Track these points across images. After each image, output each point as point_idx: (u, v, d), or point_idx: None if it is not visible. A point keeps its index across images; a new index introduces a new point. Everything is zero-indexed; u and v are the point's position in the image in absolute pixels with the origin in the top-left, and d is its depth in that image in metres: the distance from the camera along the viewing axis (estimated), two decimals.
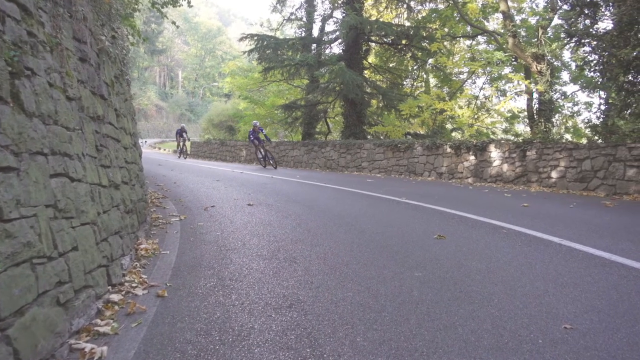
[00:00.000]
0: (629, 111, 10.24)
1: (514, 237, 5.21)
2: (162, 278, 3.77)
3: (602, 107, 19.22)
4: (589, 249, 4.58)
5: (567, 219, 6.57)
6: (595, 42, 9.80)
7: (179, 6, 12.00)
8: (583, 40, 9.95)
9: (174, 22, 11.88)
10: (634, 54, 8.87)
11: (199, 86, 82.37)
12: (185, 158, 25.20)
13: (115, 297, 3.18)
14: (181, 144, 25.71)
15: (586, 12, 10.30)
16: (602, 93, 19.84)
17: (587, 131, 20.12)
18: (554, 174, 10.93)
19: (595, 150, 10.03)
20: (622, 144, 9.53)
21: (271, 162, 18.08)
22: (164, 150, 36.47)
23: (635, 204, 8.39)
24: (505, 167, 12.19)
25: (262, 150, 18.26)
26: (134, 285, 3.50)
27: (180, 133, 25.77)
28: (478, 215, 6.63)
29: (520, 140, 12.23)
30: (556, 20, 20.29)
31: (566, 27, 10.95)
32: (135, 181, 5.28)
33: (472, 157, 13.15)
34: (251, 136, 18.34)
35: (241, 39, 22.00)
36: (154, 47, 68.08)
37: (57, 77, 3.01)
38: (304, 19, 24.08)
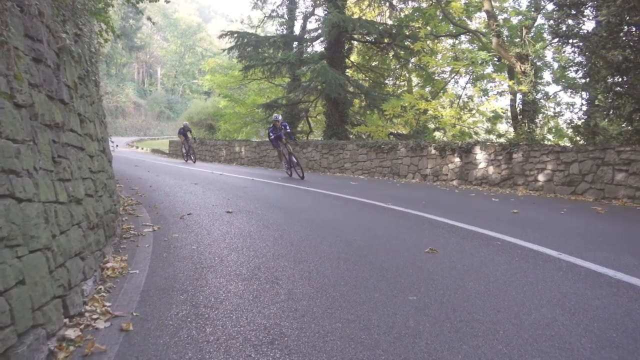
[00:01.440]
0: (616, 113, 10.06)
1: (509, 250, 4.91)
2: (129, 305, 3.37)
3: (584, 108, 19.28)
4: (591, 265, 4.31)
5: (561, 227, 6.32)
6: (582, 43, 9.59)
7: (156, 1, 11.53)
8: (571, 41, 9.73)
9: (149, 18, 11.39)
10: (624, 55, 8.67)
11: (178, 83, 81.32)
12: (194, 162, 20.95)
13: (71, 332, 2.78)
14: (186, 146, 21.64)
15: (573, 12, 10.09)
16: (584, 94, 19.83)
17: (570, 132, 20.12)
18: (541, 177, 10.73)
19: (583, 154, 9.85)
20: (611, 147, 9.36)
21: (298, 170, 13.47)
22: (142, 149, 35.70)
23: (626, 210, 8.21)
24: (491, 169, 11.98)
25: (286, 154, 13.62)
26: (95, 316, 3.09)
27: (184, 133, 21.71)
28: (468, 224, 6.34)
29: (506, 142, 12.03)
30: (539, 20, 20.28)
31: (553, 28, 10.75)
32: (103, 191, 4.85)
33: (457, 159, 12.92)
34: (271, 134, 13.62)
35: (221, 36, 21.49)
36: (132, 43, 66.92)
37: (3, 81, 2.60)
38: (286, 16, 23.68)
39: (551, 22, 19.83)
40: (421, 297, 3.50)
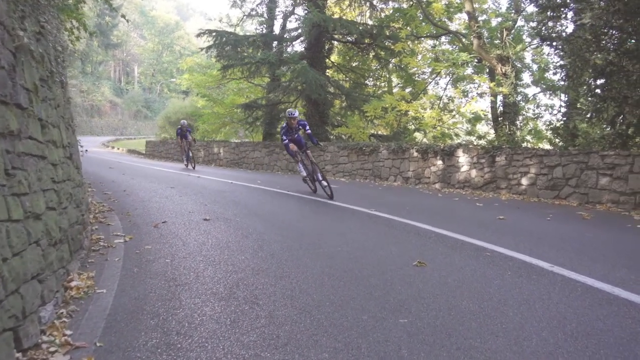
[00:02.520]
0: (597, 116, 10.00)
1: (500, 262, 4.70)
2: (92, 333, 3.05)
3: (563, 110, 19.36)
4: (586, 279, 4.11)
5: (549, 236, 6.15)
6: (567, 46, 9.49)
7: None
8: (554, 44, 9.62)
9: (123, 16, 10.91)
10: (608, 59, 8.58)
11: (156, 82, 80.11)
12: (193, 167, 17.88)
13: None
14: (186, 148, 18.48)
15: (557, 14, 9.99)
16: (563, 96, 19.92)
17: (549, 134, 20.19)
18: (524, 181, 10.62)
19: (567, 157, 9.75)
20: (595, 152, 9.27)
21: (325, 187, 9.82)
22: (118, 149, 34.95)
23: (611, 216, 8.11)
24: (473, 172, 11.84)
25: (308, 163, 10.18)
26: (52, 349, 2.76)
27: (184, 134, 18.73)
28: (455, 232, 6.13)
29: (489, 145, 11.90)
30: (519, 22, 20.32)
31: (536, 30, 10.64)
32: (69, 202, 4.49)
33: (439, 162, 12.76)
34: (284, 137, 10.12)
35: (199, 35, 21.01)
36: (108, 40, 65.61)
37: None
38: (265, 15, 23.30)
39: (533, 24, 19.96)
40: (413, 320, 3.25)
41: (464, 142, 13.88)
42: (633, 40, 9.02)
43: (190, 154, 18.33)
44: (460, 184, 12.10)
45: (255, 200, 9.36)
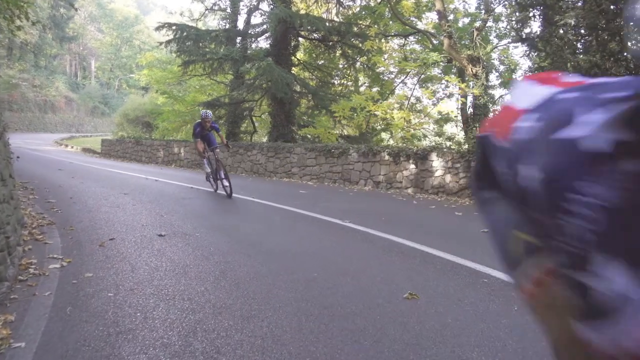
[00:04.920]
0: None
1: (501, 293, 4.09)
2: None
3: None
4: None
5: None
6: (548, 47, 9.05)
7: None
8: (537, 45, 9.17)
9: (72, 4, 9.99)
10: (592, 60, 8.17)
11: (114, 77, 77.48)
12: (229, 194, 9.83)
13: None
14: (213, 159, 10.46)
15: (537, 14, 9.57)
16: None
17: None
18: None
19: None
20: None
21: (225, 186, 9.80)
22: (72, 147, 33.25)
23: None
24: (448, 177, 11.34)
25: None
26: None
27: (206, 132, 10.61)
28: (442, 249, 5.51)
29: (465, 150, 11.42)
30: (489, 22, 20.07)
31: (516, 29, 10.21)
32: None
33: (412, 166, 12.21)
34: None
35: (158, 28, 19.91)
36: (63, 33, 62.87)
37: None
38: (229, 10, 22.35)
39: (502, 24, 19.70)
40: None
41: (437, 145, 13.34)
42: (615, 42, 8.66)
43: (222, 172, 10.02)
44: (434, 189, 11.59)
45: (218, 210, 8.57)
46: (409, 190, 12.10)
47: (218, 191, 10.52)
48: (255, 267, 4.80)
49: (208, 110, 11.03)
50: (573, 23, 8.32)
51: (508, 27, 20.13)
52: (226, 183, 9.83)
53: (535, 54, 9.41)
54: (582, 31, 8.20)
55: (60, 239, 5.86)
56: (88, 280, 4.34)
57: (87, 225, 6.73)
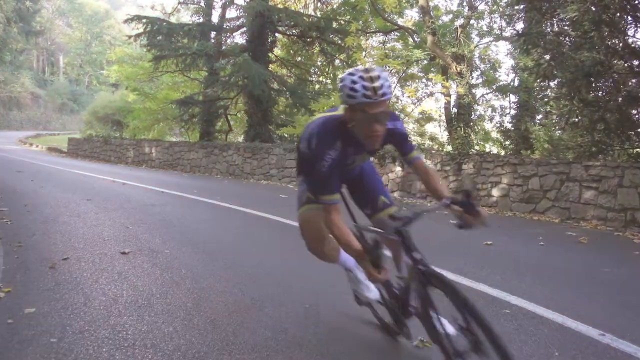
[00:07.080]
0: (575, 122, 9.12)
1: (529, 325, 3.42)
2: None
3: (513, 112, 18.82)
4: None
5: (557, 271, 5.05)
6: (547, 45, 8.49)
7: None
8: (536, 41, 8.58)
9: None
10: (597, 57, 7.62)
11: (84, 73, 75.23)
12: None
13: None
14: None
15: (530, 8, 8.99)
16: (513, 97, 19.38)
17: (498, 136, 19.63)
18: (495, 192, 9.59)
19: (545, 167, 8.77)
20: (577, 162, 8.34)
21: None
22: (37, 146, 31.76)
23: (606, 237, 7.15)
24: None
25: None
26: None
27: (351, 167, 2.91)
28: (449, 269, 4.79)
29: (455, 152, 10.83)
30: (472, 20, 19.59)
31: (511, 26, 9.65)
32: None
33: (398, 169, 11.57)
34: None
35: (127, 21, 18.89)
36: (29, 27, 60.34)
37: None
38: (202, 4, 21.42)
39: (484, 21, 19.23)
40: None
41: (424, 147, 12.75)
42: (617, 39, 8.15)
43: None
44: (422, 193, 10.95)
45: (191, 219, 7.75)
46: (396, 194, 11.45)
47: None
48: (236, 297, 4.03)
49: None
50: (575, 17, 7.75)
51: (491, 24, 19.74)
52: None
53: (532, 47, 8.80)
54: (585, 26, 7.61)
55: (4, 259, 4.96)
56: (28, 318, 3.49)
57: (39, 240, 5.85)
